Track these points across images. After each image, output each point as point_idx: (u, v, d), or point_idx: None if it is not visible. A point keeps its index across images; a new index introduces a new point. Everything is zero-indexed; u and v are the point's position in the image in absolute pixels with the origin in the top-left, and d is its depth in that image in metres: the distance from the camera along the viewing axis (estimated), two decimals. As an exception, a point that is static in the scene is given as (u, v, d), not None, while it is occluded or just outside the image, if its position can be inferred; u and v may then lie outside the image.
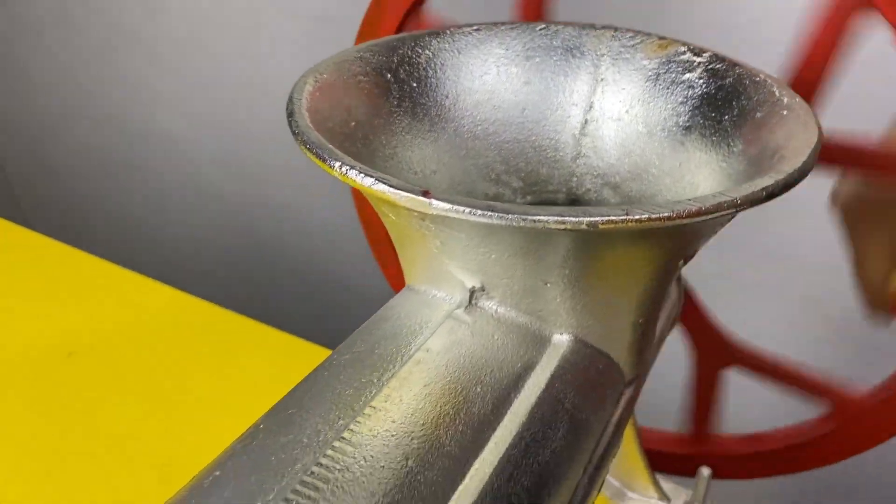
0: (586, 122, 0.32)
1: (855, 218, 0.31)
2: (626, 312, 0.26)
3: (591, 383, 0.26)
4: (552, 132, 0.33)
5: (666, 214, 0.20)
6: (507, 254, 0.23)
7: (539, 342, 0.26)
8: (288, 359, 0.53)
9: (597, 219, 0.20)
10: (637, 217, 0.20)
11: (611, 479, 0.40)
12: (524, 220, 0.20)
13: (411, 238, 0.26)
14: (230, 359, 0.53)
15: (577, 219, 0.20)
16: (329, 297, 1.02)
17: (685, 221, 0.20)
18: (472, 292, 0.26)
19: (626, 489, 0.39)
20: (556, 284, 0.24)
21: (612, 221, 0.20)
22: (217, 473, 0.21)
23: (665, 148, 0.30)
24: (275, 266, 1.04)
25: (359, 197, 0.52)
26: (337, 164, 0.23)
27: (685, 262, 0.26)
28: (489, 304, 0.26)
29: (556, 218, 0.20)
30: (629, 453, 0.39)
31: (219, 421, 0.46)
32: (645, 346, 0.29)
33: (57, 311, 0.56)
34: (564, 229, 0.20)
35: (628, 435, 0.38)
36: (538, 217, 0.20)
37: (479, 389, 0.23)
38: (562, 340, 0.26)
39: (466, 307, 0.26)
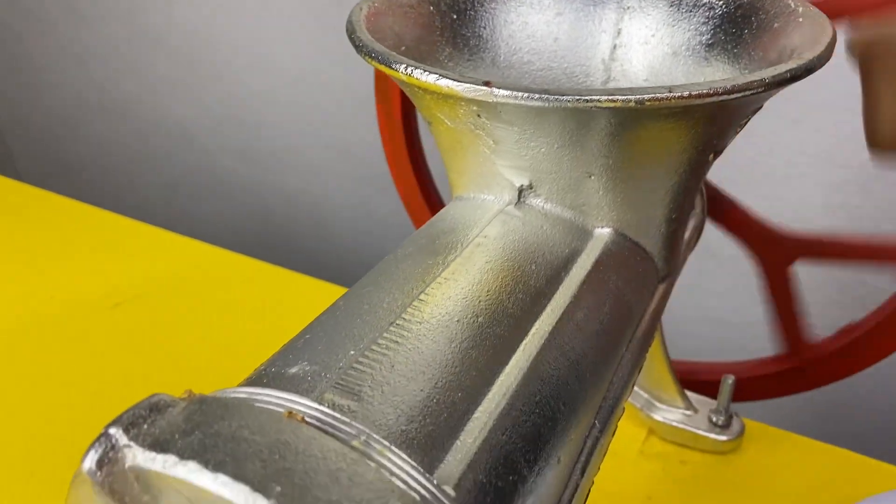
0: (615, 47, 0.35)
1: (870, 61, 0.31)
2: (661, 205, 0.29)
3: (631, 271, 0.29)
4: (583, 59, 0.35)
5: (705, 91, 0.22)
6: (555, 145, 0.26)
7: (583, 234, 0.28)
8: (316, 302, 0.56)
9: (643, 96, 0.22)
10: (679, 94, 0.22)
11: (640, 392, 0.42)
12: (577, 100, 0.23)
13: (463, 144, 0.29)
14: (261, 304, 0.55)
15: (625, 97, 0.22)
16: (342, 280, 1.05)
17: (721, 98, 0.23)
18: (521, 190, 0.29)
19: (656, 401, 0.42)
20: (599, 176, 0.27)
21: (656, 99, 0.22)
22: (307, 336, 0.23)
23: (690, 66, 0.33)
24: (288, 250, 1.06)
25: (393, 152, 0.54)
26: (402, 67, 0.26)
27: (715, 157, 0.29)
28: (536, 202, 0.29)
29: (607, 97, 0.23)
30: (658, 367, 0.41)
31: (255, 361, 0.48)
32: (676, 245, 0.32)
33: (103, 267, 0.59)
34: (613, 107, 0.23)
35: (656, 349, 0.41)
36: (590, 97, 0.23)
37: (533, 267, 0.26)
38: (603, 233, 0.29)
39: (516, 204, 0.29)
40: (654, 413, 0.42)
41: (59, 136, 1.19)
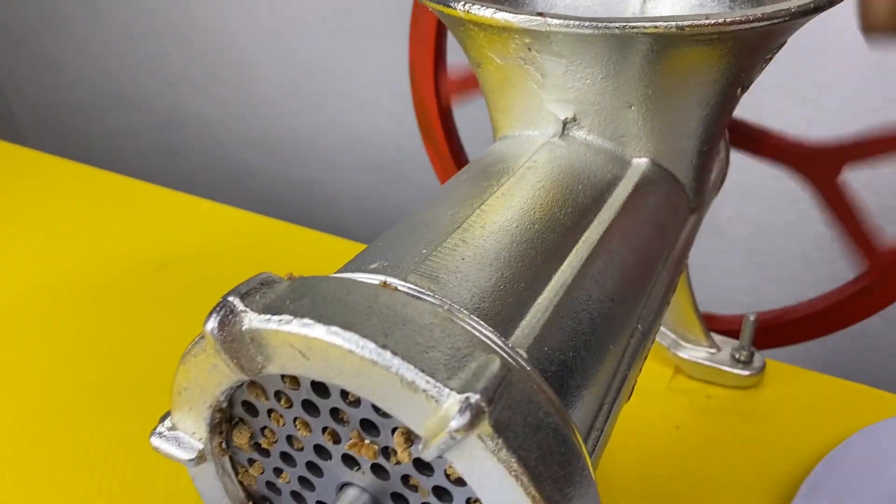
0: (644, 1, 0.37)
1: None
2: (694, 137, 0.31)
3: (666, 199, 0.31)
4: (615, 12, 0.38)
5: (739, 17, 0.25)
6: (600, 76, 0.28)
7: (622, 163, 0.31)
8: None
9: (684, 23, 0.25)
10: (715, 21, 0.25)
11: (667, 332, 0.45)
12: (624, 27, 0.25)
13: (511, 81, 0.31)
14: (297, 265, 0.58)
15: (667, 23, 0.25)
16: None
17: (753, 25, 0.25)
18: (565, 123, 0.31)
19: (682, 340, 0.44)
20: (639, 106, 0.30)
21: (695, 25, 0.25)
22: (379, 244, 0.26)
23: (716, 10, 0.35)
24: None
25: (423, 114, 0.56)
26: (460, 5, 0.28)
27: (742, 92, 0.31)
28: (579, 134, 0.31)
29: (651, 23, 0.25)
30: (683, 308, 0.44)
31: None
32: (705, 178, 0.34)
33: (148, 232, 0.62)
34: (656, 33, 0.25)
35: (682, 291, 0.43)
36: (636, 23, 0.25)
37: (580, 187, 0.28)
38: (641, 163, 0.31)
39: (560, 136, 0.31)
40: (681, 352, 0.44)
41: (75, 129, 1.21)
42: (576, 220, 0.27)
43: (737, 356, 0.44)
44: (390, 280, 0.21)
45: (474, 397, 0.17)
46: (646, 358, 0.29)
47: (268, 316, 0.20)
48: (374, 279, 0.21)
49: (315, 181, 1.00)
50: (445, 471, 0.20)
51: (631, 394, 0.28)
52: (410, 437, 0.20)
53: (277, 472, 0.24)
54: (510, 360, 0.20)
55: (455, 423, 0.17)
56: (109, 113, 1.15)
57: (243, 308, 0.20)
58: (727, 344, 0.45)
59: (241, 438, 0.24)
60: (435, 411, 0.18)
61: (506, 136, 0.34)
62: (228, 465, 0.25)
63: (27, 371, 0.47)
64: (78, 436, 0.42)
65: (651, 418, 0.42)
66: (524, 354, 0.21)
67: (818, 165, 0.42)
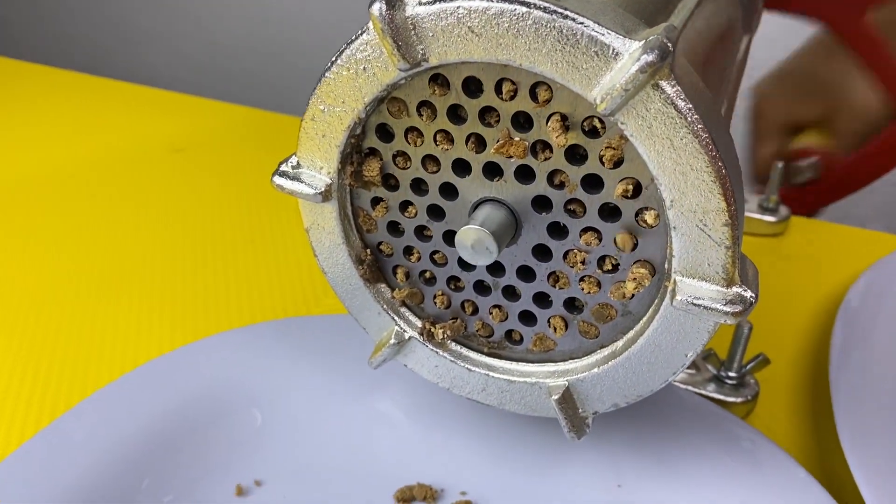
0: None
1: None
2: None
3: (733, 9, 0.33)
4: None
5: None
6: None
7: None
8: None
9: None
10: None
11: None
12: None
13: None
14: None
15: None
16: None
17: None
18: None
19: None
20: None
21: None
22: None
23: None
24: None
25: None
26: None
27: None
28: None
29: None
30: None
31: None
32: (753, 7, 0.36)
33: (163, 118, 0.61)
34: None
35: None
36: None
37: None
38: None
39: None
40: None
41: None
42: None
43: (764, 205, 0.46)
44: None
45: (660, 38, 0.18)
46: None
47: (429, 6, 0.20)
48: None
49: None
50: (600, 154, 0.21)
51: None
52: (566, 124, 0.21)
53: (404, 206, 0.25)
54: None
55: (645, 59, 0.18)
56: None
57: (406, -3, 0.20)
58: (754, 196, 0.47)
59: (371, 171, 0.24)
60: (614, 65, 0.19)
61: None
62: (349, 208, 0.25)
63: (44, 249, 0.46)
64: (92, 309, 0.42)
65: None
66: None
67: (842, 7, 0.44)
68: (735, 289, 0.21)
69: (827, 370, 0.32)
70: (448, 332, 0.26)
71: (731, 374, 0.32)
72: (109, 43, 1.13)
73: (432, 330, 0.26)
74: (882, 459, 0.27)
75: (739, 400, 0.32)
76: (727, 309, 0.20)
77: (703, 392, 0.33)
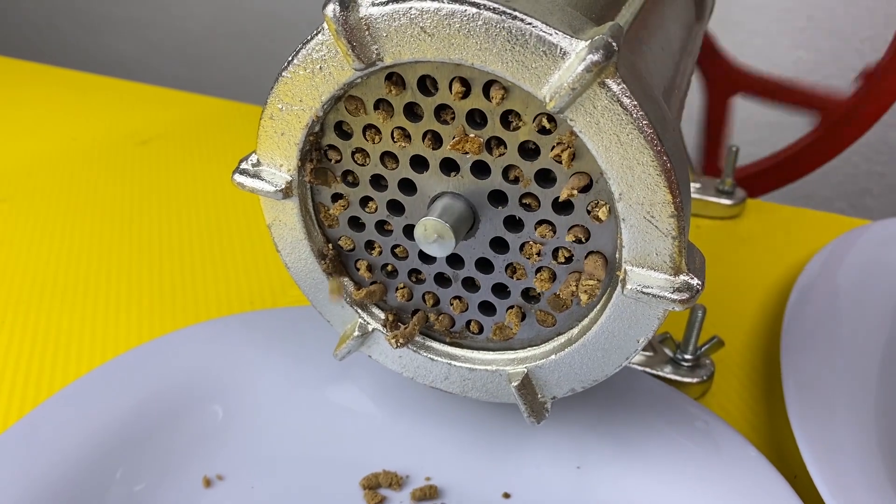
0: None
1: None
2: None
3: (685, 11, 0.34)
4: None
5: None
6: None
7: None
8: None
9: None
10: None
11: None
12: None
13: None
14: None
15: None
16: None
17: None
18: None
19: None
20: None
21: None
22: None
23: None
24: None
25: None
26: None
27: None
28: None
29: None
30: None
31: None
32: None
33: (128, 109, 0.60)
34: None
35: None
36: None
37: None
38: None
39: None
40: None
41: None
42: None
43: (720, 188, 0.47)
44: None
45: (605, 38, 0.19)
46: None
47: (381, 6, 0.20)
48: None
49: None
50: (552, 149, 0.22)
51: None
52: (520, 117, 0.22)
53: (364, 202, 0.25)
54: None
55: (590, 58, 0.19)
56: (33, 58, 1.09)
57: (359, -2, 0.21)
58: (711, 181, 0.48)
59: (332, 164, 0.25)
60: (562, 64, 0.19)
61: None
62: (311, 204, 0.26)
63: (6, 245, 0.46)
64: (68, 305, 0.42)
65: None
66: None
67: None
68: (682, 277, 0.21)
69: (779, 350, 0.34)
70: (402, 340, 0.26)
71: (687, 356, 0.34)
72: (71, 29, 1.11)
73: (395, 332, 0.26)
74: (826, 433, 0.28)
75: (695, 381, 0.34)
76: (675, 297, 0.21)
77: (660, 374, 0.34)
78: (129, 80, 0.68)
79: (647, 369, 0.34)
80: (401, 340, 0.26)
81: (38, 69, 0.70)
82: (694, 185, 0.47)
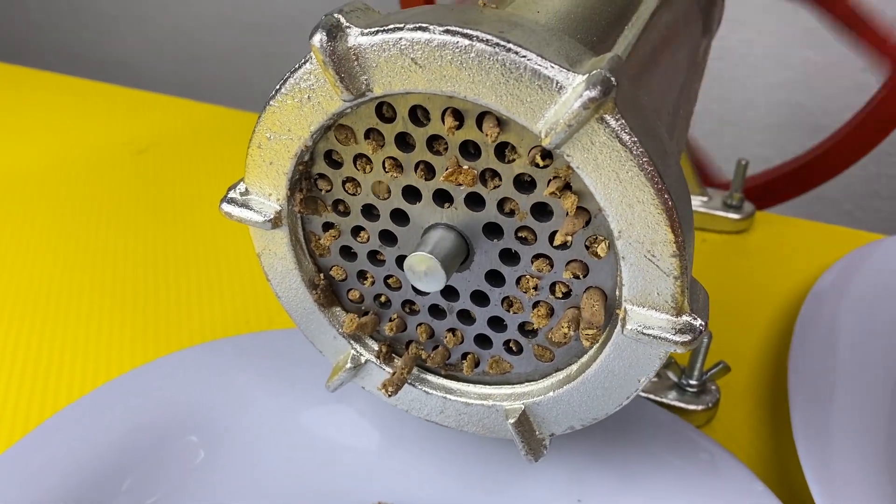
0: None
1: None
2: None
3: (690, 14, 0.33)
4: None
5: None
6: None
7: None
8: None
9: None
10: None
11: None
12: None
13: None
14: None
15: None
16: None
17: None
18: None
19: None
20: None
21: None
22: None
23: None
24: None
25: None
26: None
27: None
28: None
29: None
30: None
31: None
32: (713, 9, 0.36)
33: (125, 117, 0.60)
34: None
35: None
36: None
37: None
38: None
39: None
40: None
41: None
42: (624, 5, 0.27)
43: (728, 202, 0.46)
44: (488, 2, 0.22)
45: (603, 73, 0.18)
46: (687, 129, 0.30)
47: (374, 29, 0.20)
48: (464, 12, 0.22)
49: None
50: (549, 183, 0.21)
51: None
52: (515, 149, 0.21)
53: (356, 231, 0.24)
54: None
55: (587, 94, 0.18)
56: (25, 61, 1.09)
57: (347, 24, 0.20)
58: (718, 193, 0.47)
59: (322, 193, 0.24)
60: (558, 99, 0.18)
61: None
62: (301, 233, 0.25)
63: (17, 249, 0.45)
64: (53, 317, 0.41)
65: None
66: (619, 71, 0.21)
67: None
68: (684, 317, 0.20)
69: (786, 374, 0.33)
70: (391, 389, 0.25)
71: (692, 381, 0.33)
72: (71, 29, 1.11)
73: (385, 382, 0.26)
74: (836, 466, 0.27)
75: (700, 407, 0.33)
76: (676, 339, 0.20)
77: (664, 400, 0.33)
78: (129, 80, 0.68)
79: (652, 395, 0.33)
80: (390, 389, 0.25)
81: (33, 75, 0.69)
82: (701, 199, 0.46)
